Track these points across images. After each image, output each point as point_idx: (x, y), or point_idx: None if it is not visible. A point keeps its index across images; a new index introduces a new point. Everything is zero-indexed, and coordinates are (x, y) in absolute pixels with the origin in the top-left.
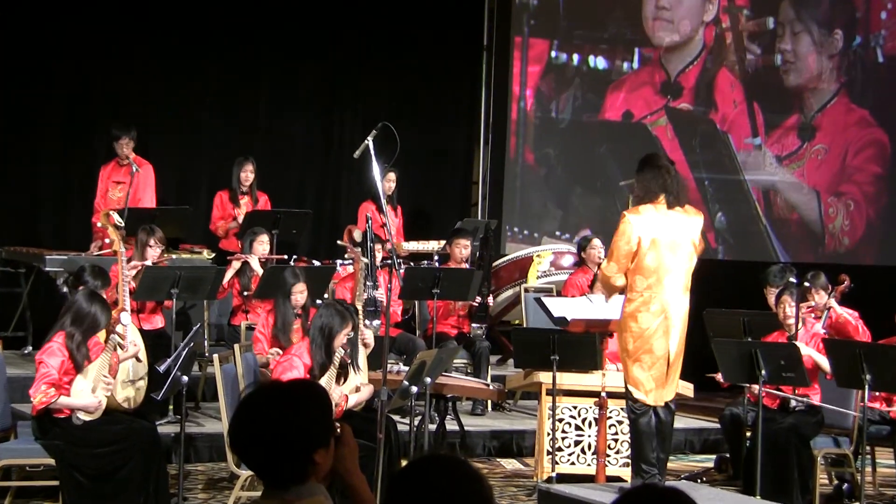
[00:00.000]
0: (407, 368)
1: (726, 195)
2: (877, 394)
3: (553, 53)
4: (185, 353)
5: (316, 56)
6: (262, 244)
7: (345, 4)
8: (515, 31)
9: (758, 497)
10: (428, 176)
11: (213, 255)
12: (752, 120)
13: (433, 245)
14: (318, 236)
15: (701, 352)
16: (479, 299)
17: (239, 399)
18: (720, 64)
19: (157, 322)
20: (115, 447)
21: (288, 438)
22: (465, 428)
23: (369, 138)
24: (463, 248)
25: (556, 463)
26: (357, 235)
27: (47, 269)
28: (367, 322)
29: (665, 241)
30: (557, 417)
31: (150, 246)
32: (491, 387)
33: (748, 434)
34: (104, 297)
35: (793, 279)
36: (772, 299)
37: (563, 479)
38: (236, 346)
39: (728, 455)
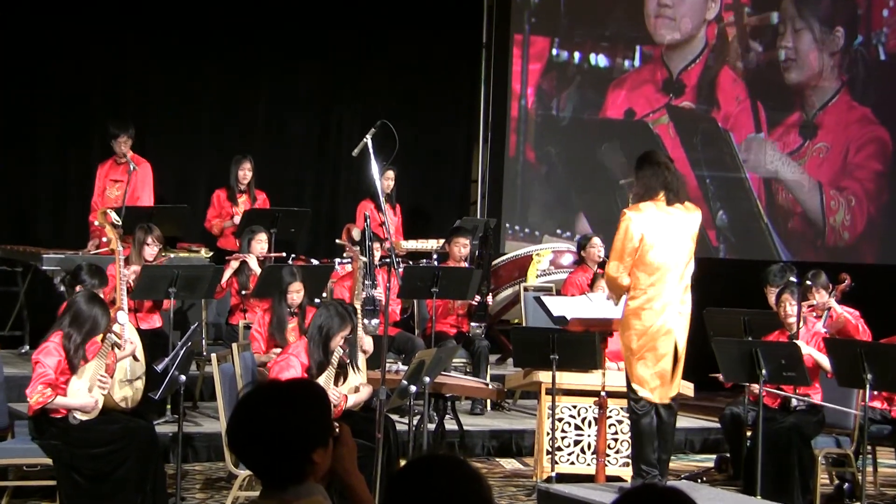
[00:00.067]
0: (406, 368)
1: (727, 193)
2: (878, 393)
3: (554, 51)
4: (182, 352)
5: (315, 55)
6: (261, 243)
7: (344, 4)
8: (516, 29)
9: (758, 497)
10: (427, 174)
11: (211, 253)
12: (755, 117)
13: (432, 244)
14: (316, 235)
15: (701, 351)
16: (478, 298)
17: (237, 398)
18: (722, 62)
19: (155, 321)
20: (112, 447)
21: (286, 438)
22: (465, 427)
23: (368, 136)
24: (462, 247)
25: (556, 463)
26: (356, 234)
27: (44, 267)
28: (366, 322)
29: (667, 237)
30: (557, 417)
31: (148, 244)
32: (490, 386)
33: (749, 434)
34: (103, 297)
35: (793, 278)
36: (772, 298)
37: (563, 478)
38: (234, 346)
39: (728, 455)
